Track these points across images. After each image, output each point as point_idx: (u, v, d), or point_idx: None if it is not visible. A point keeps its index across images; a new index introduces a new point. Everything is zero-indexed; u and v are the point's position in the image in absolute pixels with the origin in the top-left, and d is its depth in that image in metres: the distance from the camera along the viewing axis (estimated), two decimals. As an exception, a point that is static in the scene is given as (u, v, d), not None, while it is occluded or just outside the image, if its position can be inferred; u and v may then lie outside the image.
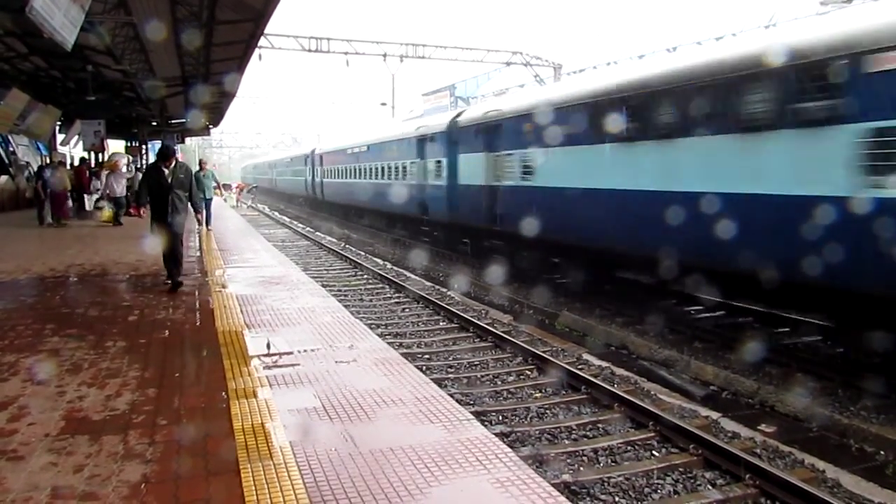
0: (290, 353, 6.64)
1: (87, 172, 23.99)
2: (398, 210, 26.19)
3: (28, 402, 5.13)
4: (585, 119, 13.72)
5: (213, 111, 32.41)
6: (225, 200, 46.51)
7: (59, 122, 25.49)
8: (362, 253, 23.22)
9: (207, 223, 18.97)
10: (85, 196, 23.28)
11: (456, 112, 22.19)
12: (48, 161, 25.32)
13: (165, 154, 10.06)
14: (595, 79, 16.06)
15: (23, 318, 8.03)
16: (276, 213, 45.26)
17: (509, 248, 17.61)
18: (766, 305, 11.43)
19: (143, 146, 33.36)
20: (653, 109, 11.84)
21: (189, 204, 10.04)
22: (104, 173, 23.37)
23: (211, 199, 20.00)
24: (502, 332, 11.46)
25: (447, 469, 4.10)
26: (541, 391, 8.96)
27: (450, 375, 9.49)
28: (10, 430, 4.58)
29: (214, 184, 21.05)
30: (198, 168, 20.58)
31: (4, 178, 26.32)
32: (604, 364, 10.08)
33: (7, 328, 7.47)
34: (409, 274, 18.61)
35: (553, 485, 4.24)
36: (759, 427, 7.95)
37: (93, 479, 3.87)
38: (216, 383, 5.63)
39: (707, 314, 12.52)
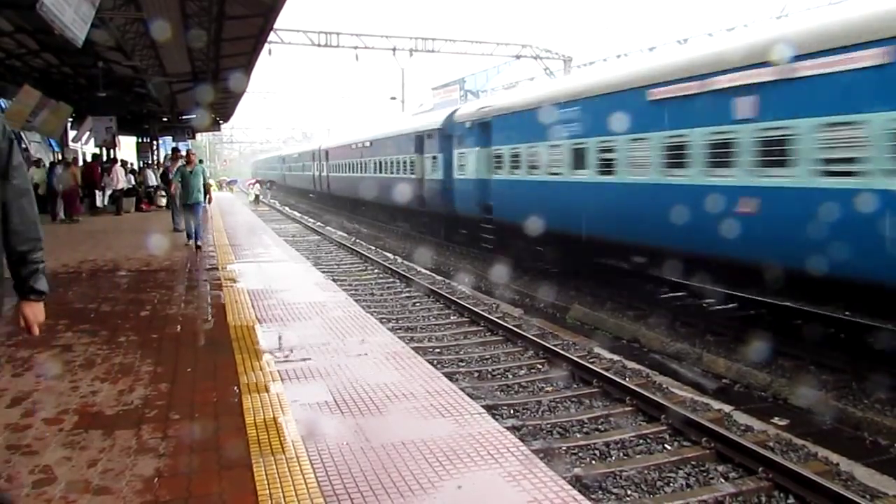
0: (302, 347, 6.66)
1: (99, 169, 24.14)
2: None
3: (42, 397, 5.16)
4: None
5: (223, 107, 32.48)
6: (259, 196, 46.68)
7: (70, 119, 25.58)
8: (372, 247, 23.23)
9: (196, 237, 14.33)
10: (97, 192, 23.42)
11: None
12: (60, 158, 25.52)
13: None
14: None
15: (36, 313, 8.06)
16: (287, 209, 45.27)
17: None
18: (777, 298, 11.37)
19: (155, 142, 33.53)
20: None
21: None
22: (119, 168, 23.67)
23: (199, 204, 14.46)
24: (513, 325, 11.45)
25: (458, 463, 4.10)
26: (552, 385, 8.94)
27: (461, 369, 9.49)
28: (24, 424, 4.61)
29: (205, 183, 15.10)
30: (182, 162, 15.97)
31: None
32: (615, 357, 10.04)
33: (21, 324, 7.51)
34: (418, 268, 18.61)
35: (565, 478, 4.22)
36: (772, 420, 7.92)
37: (106, 474, 3.89)
38: (228, 378, 5.65)
39: (719, 307, 12.46)
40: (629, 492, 6.05)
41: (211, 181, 20.29)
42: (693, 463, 6.57)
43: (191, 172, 14.41)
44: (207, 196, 15.16)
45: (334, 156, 40.36)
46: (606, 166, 13.70)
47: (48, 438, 4.39)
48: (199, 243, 14.28)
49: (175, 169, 16.64)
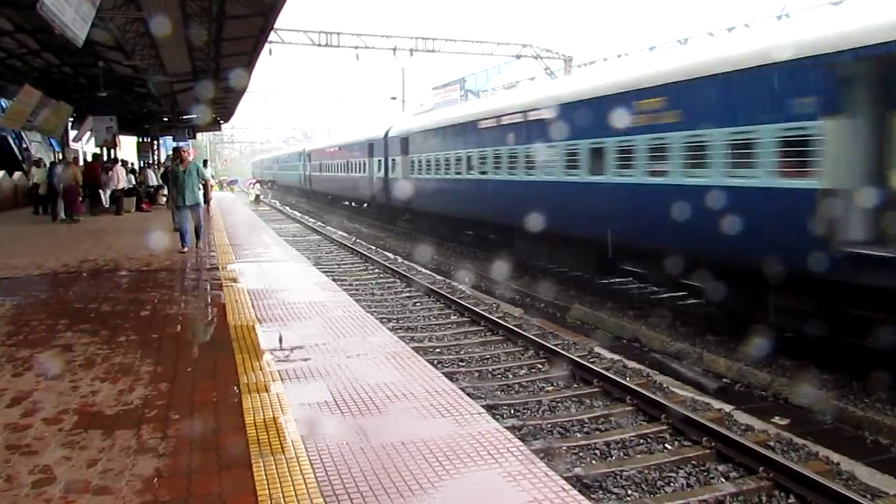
0: (302, 347, 6.66)
1: (100, 168, 24.16)
2: None
3: (42, 396, 5.15)
4: None
5: (224, 106, 32.51)
6: (259, 195, 46.51)
7: (71, 119, 25.62)
8: (373, 247, 23.22)
9: (198, 237, 13.61)
10: (100, 191, 23.42)
11: None
12: (60, 158, 25.55)
13: None
14: None
15: (36, 313, 8.08)
16: (287, 209, 45.25)
17: None
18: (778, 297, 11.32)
19: (155, 142, 33.55)
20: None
21: None
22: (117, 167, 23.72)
23: (197, 206, 13.41)
24: (513, 325, 11.44)
25: (458, 463, 4.09)
26: (552, 384, 8.94)
27: (461, 369, 9.48)
28: (24, 424, 4.61)
29: (203, 182, 13.81)
30: (174, 160, 14.89)
31: (19, 174, 26.52)
32: (616, 357, 10.04)
33: (21, 323, 7.52)
34: (419, 268, 18.60)
35: (565, 478, 4.22)
36: (772, 419, 7.92)
37: (106, 474, 3.89)
38: (228, 378, 5.64)
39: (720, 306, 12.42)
40: (630, 491, 6.05)
41: (211, 180, 19.05)
42: (693, 462, 6.57)
43: (184, 172, 13.08)
44: (206, 197, 14.30)
45: (431, 144, 23.34)
46: None
47: (48, 438, 4.38)
48: (199, 244, 13.62)
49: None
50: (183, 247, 13.22)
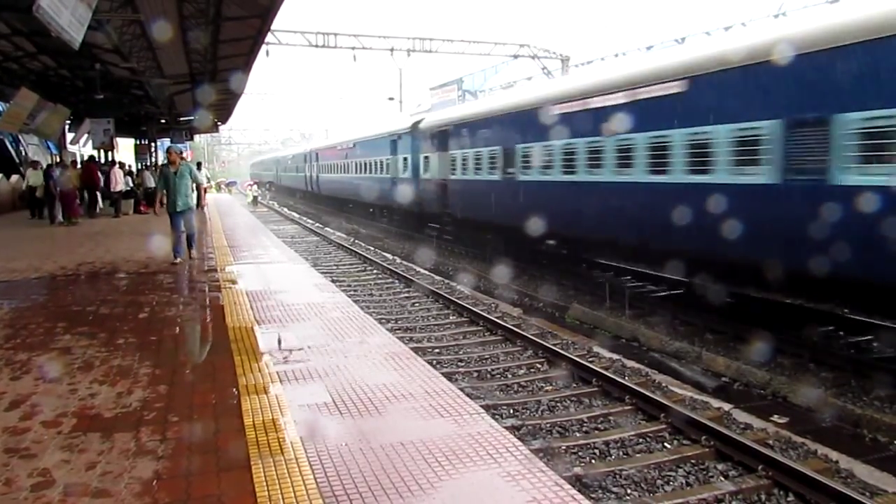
0: (301, 348, 6.66)
1: (97, 170, 24.13)
2: None
3: (40, 400, 5.15)
4: None
5: (222, 108, 32.49)
6: (257, 197, 46.66)
7: (68, 121, 25.57)
8: (371, 248, 23.21)
9: (189, 246, 12.64)
10: (97, 194, 23.39)
11: None
12: (58, 160, 25.52)
13: None
14: None
15: (35, 316, 8.07)
16: (286, 210, 45.21)
17: None
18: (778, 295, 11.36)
19: (153, 144, 33.52)
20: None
21: None
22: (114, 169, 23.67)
23: (191, 211, 12.45)
24: (512, 325, 11.44)
25: (458, 463, 4.09)
26: (551, 384, 8.93)
27: (460, 369, 9.48)
28: (22, 428, 4.60)
29: (202, 184, 13.24)
30: (164, 161, 14.00)
31: (16, 177, 26.48)
32: (614, 356, 10.04)
33: (19, 327, 7.51)
34: (417, 268, 18.59)
35: (564, 478, 4.22)
36: (771, 418, 7.91)
37: (105, 476, 3.88)
38: (227, 379, 5.64)
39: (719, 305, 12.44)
40: (629, 491, 6.05)
41: (205, 181, 17.81)
42: (693, 461, 6.57)
43: (175, 174, 11.93)
44: (202, 199, 13.81)
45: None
46: None
47: (46, 441, 4.38)
48: (192, 253, 12.72)
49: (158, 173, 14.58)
50: (176, 256, 12.16)
